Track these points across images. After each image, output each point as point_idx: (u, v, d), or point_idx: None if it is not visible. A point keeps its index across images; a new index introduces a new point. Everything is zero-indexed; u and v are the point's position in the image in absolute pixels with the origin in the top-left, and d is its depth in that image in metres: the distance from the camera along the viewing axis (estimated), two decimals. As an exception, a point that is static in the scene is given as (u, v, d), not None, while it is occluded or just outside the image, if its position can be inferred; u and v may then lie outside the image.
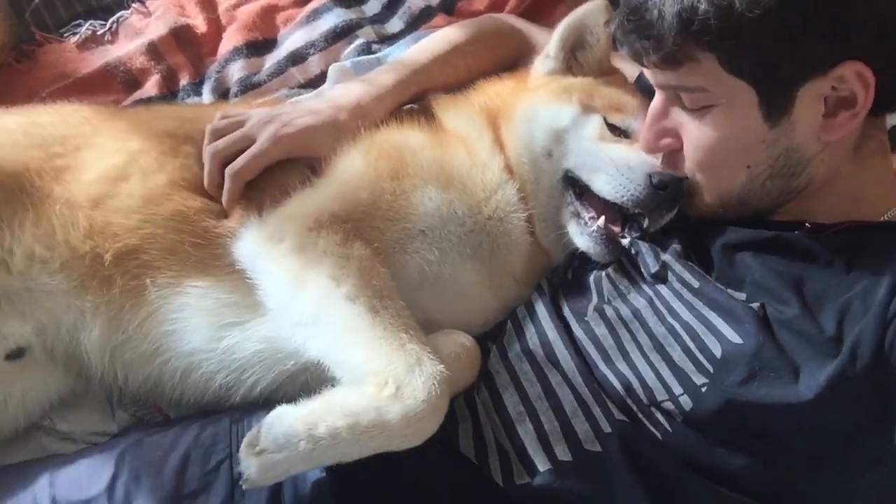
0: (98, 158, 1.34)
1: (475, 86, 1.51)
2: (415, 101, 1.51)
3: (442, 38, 1.62)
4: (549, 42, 1.47)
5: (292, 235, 1.21)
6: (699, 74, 1.12)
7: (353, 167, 1.31)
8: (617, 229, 1.29)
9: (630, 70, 1.61)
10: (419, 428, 1.03)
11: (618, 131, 1.36)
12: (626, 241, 1.28)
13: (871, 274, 1.08)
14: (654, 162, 1.29)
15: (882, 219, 1.20)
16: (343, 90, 1.47)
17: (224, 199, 1.33)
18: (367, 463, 1.11)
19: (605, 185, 1.29)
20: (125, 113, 1.60)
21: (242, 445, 1.01)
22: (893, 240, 1.13)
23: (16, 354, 1.29)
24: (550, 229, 1.36)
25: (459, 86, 1.52)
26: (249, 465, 1.00)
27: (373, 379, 1.05)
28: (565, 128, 1.35)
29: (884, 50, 1.09)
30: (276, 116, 1.38)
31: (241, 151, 1.34)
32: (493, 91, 1.48)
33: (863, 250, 1.13)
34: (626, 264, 1.29)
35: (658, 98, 1.23)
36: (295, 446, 0.99)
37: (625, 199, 1.27)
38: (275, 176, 1.36)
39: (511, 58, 1.62)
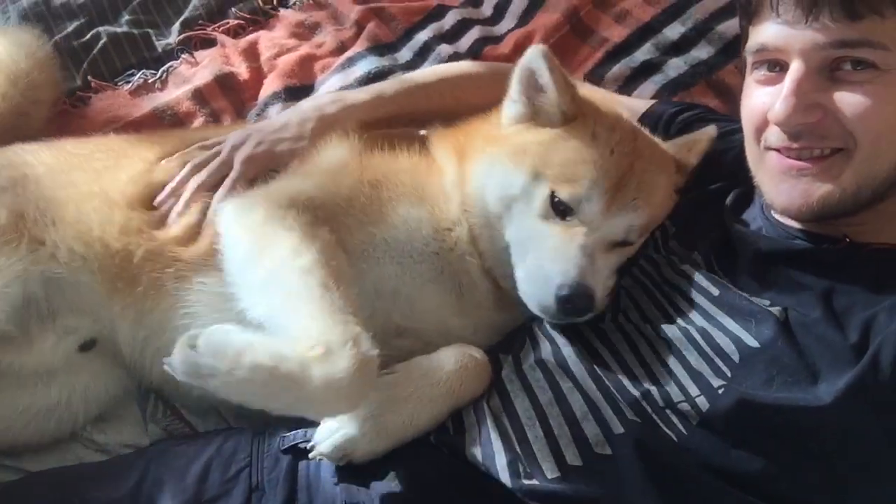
0: (130, 164, 1.46)
1: (466, 120, 1.48)
2: (387, 121, 1.53)
3: (433, 71, 1.70)
4: (510, 85, 1.37)
5: (265, 208, 1.26)
6: (880, 32, 1.07)
7: (341, 163, 1.37)
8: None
9: (632, 104, 1.64)
10: (331, 399, 1.03)
11: (563, 206, 1.25)
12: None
13: None
14: (570, 272, 1.21)
15: None
16: (313, 101, 1.56)
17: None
18: (379, 469, 1.14)
19: (521, 279, 1.26)
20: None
21: (183, 337, 1.04)
22: None
23: (89, 345, 1.38)
24: (509, 280, 1.31)
25: (443, 115, 1.52)
26: (178, 353, 1.02)
27: (306, 340, 1.06)
28: (514, 196, 1.28)
29: None
30: (248, 137, 1.47)
31: (223, 177, 1.43)
32: (470, 129, 1.44)
33: (894, 272, 1.12)
34: (639, 275, 1.30)
35: (801, 68, 1.11)
36: (220, 359, 1.00)
37: (531, 303, 1.24)
38: None
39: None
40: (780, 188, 1.18)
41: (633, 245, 1.33)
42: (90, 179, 1.42)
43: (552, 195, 1.25)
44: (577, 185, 1.25)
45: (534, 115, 1.35)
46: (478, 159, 1.34)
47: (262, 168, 1.44)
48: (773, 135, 1.17)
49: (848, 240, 1.18)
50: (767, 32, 1.16)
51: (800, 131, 1.13)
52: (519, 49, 2.04)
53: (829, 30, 1.08)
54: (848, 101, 1.10)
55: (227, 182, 1.42)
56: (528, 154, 1.30)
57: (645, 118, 1.60)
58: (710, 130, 1.43)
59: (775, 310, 1.11)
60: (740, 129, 1.45)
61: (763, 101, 1.18)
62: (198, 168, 1.46)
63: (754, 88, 1.21)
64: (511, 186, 1.29)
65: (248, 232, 1.25)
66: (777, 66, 1.17)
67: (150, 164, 1.47)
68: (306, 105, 1.56)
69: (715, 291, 1.19)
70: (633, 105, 1.65)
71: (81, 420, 1.41)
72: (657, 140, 1.45)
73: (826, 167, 1.14)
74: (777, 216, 1.27)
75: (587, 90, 1.59)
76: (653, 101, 1.69)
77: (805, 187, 1.15)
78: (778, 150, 1.17)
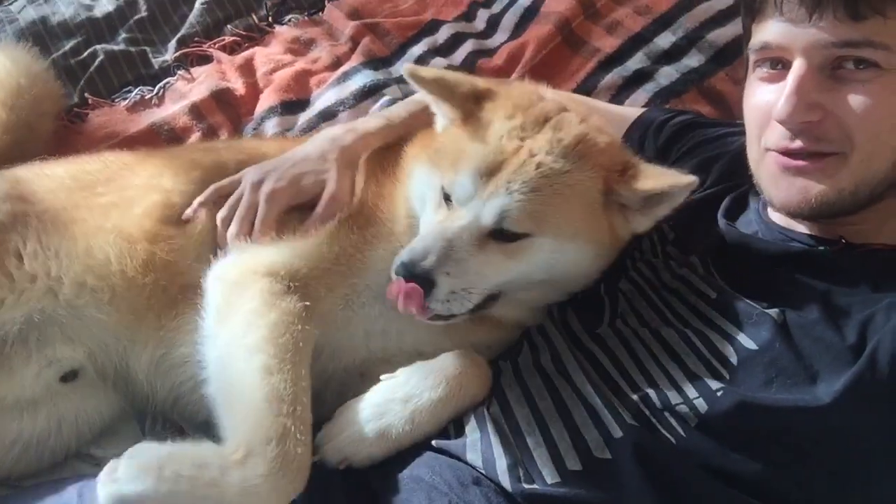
0: (139, 196, 1.43)
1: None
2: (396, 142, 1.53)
3: None
4: None
5: (240, 274, 1.28)
6: (883, 33, 1.08)
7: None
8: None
9: (623, 112, 1.65)
10: (253, 502, 1.03)
11: (446, 195, 1.27)
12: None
13: None
14: (415, 248, 1.21)
15: None
16: (327, 133, 1.54)
17: None
18: (379, 469, 1.15)
19: None
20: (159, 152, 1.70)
21: (103, 471, 1.04)
22: None
23: (70, 376, 1.36)
24: None
25: None
26: (102, 490, 1.03)
27: (232, 439, 1.08)
28: (425, 194, 1.32)
29: None
30: (267, 174, 1.44)
31: (254, 219, 1.41)
32: (422, 140, 1.45)
33: (891, 273, 1.13)
34: (637, 280, 1.30)
35: (803, 66, 1.12)
36: (143, 481, 1.02)
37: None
38: None
39: None
40: (779, 185, 1.20)
41: (523, 243, 1.23)
42: (98, 215, 1.39)
43: (442, 186, 1.27)
44: (456, 172, 1.25)
45: (452, 121, 1.36)
46: (414, 166, 1.38)
47: (287, 203, 1.42)
48: (773, 136, 1.19)
49: (844, 241, 1.19)
50: (771, 30, 1.17)
51: (800, 129, 1.15)
52: (512, 61, 2.08)
53: (833, 29, 1.10)
54: (848, 100, 1.11)
55: (258, 222, 1.40)
56: (436, 153, 1.34)
57: (635, 125, 1.62)
58: (687, 180, 1.25)
59: (773, 312, 1.12)
60: (731, 134, 1.46)
61: (767, 98, 1.19)
62: (226, 221, 1.42)
63: (757, 86, 1.23)
64: (423, 184, 1.32)
65: (219, 296, 1.27)
66: (779, 64, 1.18)
67: (163, 192, 1.44)
68: (319, 139, 1.53)
69: (712, 294, 1.20)
70: (623, 113, 1.67)
71: (75, 446, 1.40)
72: (611, 137, 1.35)
73: (823, 166, 1.15)
74: (773, 218, 1.29)
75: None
76: (643, 109, 1.71)
77: (803, 184, 1.16)
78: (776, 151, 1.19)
